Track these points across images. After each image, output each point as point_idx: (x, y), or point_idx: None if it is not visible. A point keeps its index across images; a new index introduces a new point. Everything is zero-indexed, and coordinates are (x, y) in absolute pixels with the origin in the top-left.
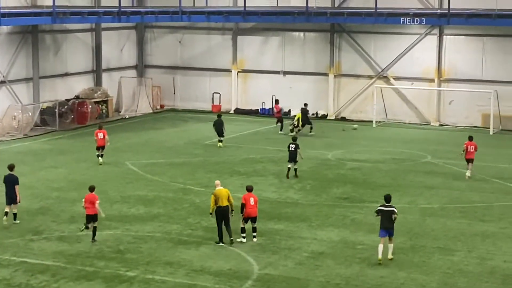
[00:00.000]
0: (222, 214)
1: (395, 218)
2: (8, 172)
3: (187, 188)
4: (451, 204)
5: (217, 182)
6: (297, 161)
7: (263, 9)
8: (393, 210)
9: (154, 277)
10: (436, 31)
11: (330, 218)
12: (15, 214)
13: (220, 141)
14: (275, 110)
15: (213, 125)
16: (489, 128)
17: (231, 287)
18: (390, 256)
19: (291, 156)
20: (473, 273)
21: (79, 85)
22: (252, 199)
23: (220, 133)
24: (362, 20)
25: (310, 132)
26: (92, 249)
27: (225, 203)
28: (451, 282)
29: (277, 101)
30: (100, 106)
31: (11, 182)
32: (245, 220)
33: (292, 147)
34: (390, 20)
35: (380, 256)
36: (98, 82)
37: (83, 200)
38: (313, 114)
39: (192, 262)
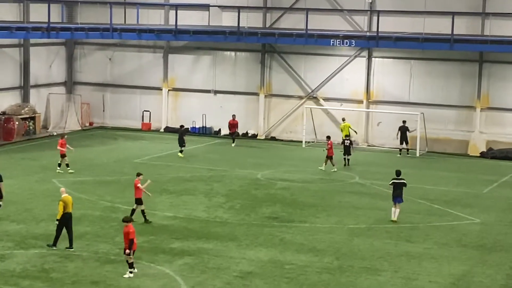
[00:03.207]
0: (67, 220)
1: (405, 186)
2: None
3: (115, 206)
4: (378, 225)
5: (63, 189)
6: (350, 154)
7: (195, 28)
8: (403, 182)
9: None
10: (365, 53)
11: (259, 238)
12: None
13: (180, 151)
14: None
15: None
16: (415, 149)
17: None
18: (395, 218)
19: (345, 149)
20: None
21: (6, 101)
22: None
23: (180, 143)
24: (292, 41)
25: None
26: (16, 268)
27: (71, 210)
28: None
29: (233, 116)
30: (27, 122)
31: None
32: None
33: (347, 142)
34: (320, 41)
35: (392, 217)
36: (25, 98)
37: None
38: (243, 134)
39: (119, 282)
